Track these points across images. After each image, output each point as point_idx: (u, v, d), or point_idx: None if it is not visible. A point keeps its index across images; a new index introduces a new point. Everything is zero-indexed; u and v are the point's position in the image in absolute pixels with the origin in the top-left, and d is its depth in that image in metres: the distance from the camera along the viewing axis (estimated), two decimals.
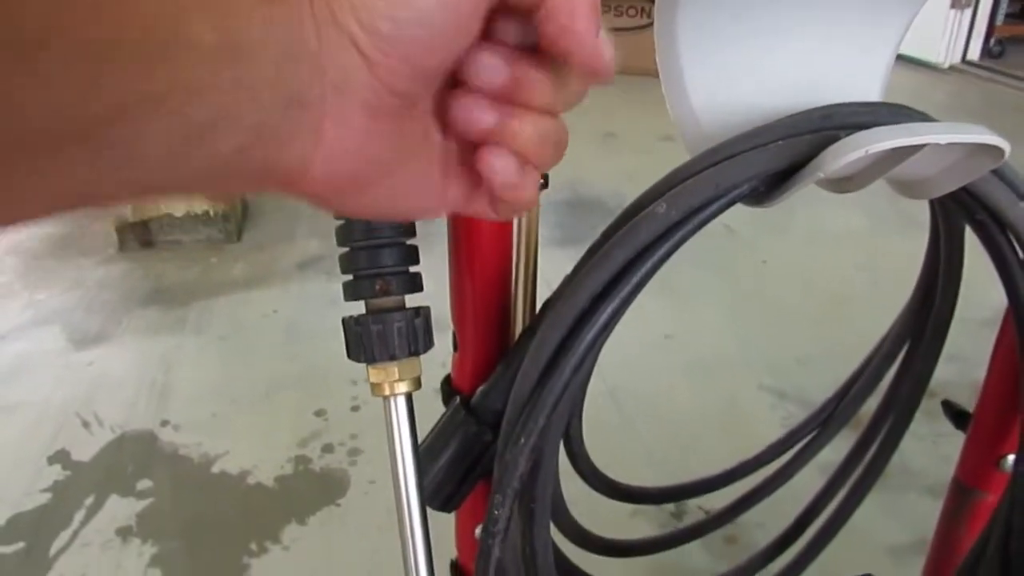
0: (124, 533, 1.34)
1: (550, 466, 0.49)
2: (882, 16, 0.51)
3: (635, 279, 0.45)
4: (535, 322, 0.52)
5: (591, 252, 0.48)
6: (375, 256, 0.44)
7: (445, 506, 0.51)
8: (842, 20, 0.50)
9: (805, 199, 0.52)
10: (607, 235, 0.47)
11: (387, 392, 0.45)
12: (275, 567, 1.28)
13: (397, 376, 0.44)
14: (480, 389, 0.52)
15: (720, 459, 0.82)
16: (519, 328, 0.53)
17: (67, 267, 2.22)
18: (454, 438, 0.51)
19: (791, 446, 0.87)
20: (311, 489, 1.44)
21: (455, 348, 0.54)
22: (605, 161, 2.95)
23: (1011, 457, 0.66)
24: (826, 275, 2.23)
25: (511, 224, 0.52)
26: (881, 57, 0.55)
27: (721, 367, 1.79)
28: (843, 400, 0.83)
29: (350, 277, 0.45)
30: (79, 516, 1.38)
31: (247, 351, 1.86)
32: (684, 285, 2.03)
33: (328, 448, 1.53)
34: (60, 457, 1.51)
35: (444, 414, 0.53)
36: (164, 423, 1.61)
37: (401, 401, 0.45)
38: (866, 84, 0.54)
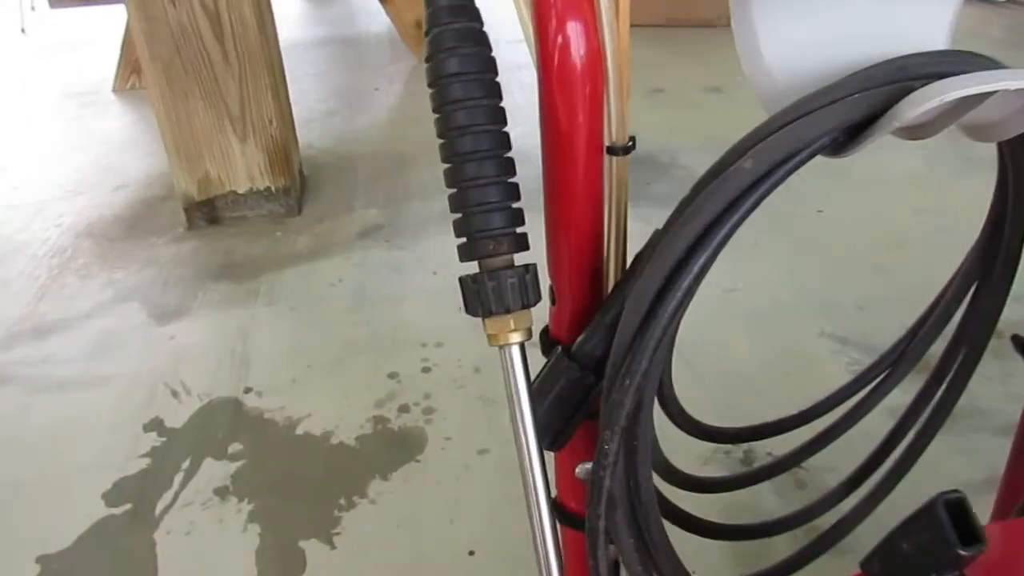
0: (222, 492, 1.43)
1: (650, 405, 0.54)
2: None
3: (725, 230, 0.49)
4: (629, 274, 0.56)
5: (682, 207, 0.52)
6: (487, 219, 0.48)
7: (552, 444, 0.57)
8: None
9: None
10: (696, 190, 0.51)
11: (503, 342, 0.50)
12: (364, 519, 1.36)
13: (512, 327, 0.49)
14: (580, 338, 0.56)
15: (785, 406, 0.85)
16: (612, 281, 0.58)
17: (140, 247, 2.32)
18: (559, 383, 0.55)
19: (860, 388, 0.90)
20: (391, 447, 1.51)
21: (552, 302, 0.59)
22: (654, 115, 2.95)
23: None
24: (884, 220, 2.22)
25: (601, 183, 0.56)
26: (947, 5, 0.57)
27: (783, 316, 1.81)
28: (912, 341, 0.86)
29: (464, 240, 0.50)
30: (178, 479, 1.47)
31: (317, 319, 1.94)
32: (742, 239, 2.04)
33: (404, 408, 1.60)
34: (155, 425, 1.61)
35: (547, 362, 0.58)
36: (247, 390, 1.69)
37: (515, 350, 0.50)
38: (934, 33, 0.57)
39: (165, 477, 1.48)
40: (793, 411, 0.87)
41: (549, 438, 0.56)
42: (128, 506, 1.42)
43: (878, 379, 0.88)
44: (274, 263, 2.19)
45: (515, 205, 0.50)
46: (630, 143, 0.54)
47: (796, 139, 0.49)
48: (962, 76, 0.49)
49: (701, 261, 0.49)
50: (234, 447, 1.54)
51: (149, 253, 2.29)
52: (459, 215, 0.49)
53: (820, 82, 0.53)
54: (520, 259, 0.52)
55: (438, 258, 2.11)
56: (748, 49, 0.57)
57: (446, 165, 0.50)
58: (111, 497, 1.44)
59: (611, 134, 0.52)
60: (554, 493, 0.68)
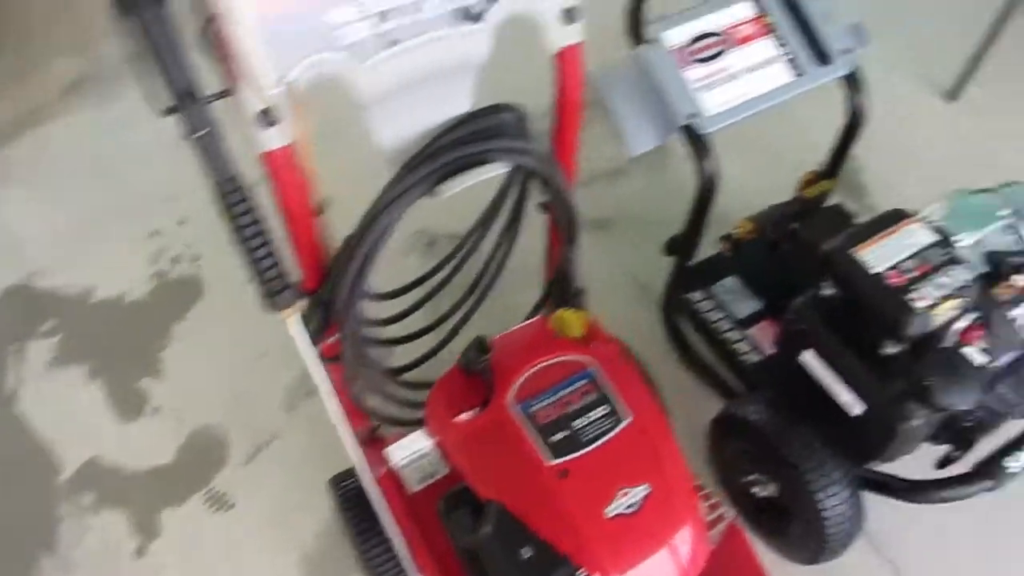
0: (56, 363, 1.85)
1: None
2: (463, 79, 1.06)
3: (382, 224, 1.03)
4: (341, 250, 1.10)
5: (366, 217, 1.05)
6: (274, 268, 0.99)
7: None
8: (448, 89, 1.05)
9: None
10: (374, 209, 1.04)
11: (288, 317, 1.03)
12: (180, 354, 1.86)
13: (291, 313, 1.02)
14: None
15: None
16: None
17: None
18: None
19: None
20: (178, 293, 1.97)
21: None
22: None
23: None
24: None
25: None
26: (469, 82, 1.09)
27: None
28: None
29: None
30: (12, 362, 1.86)
31: (65, 192, 2.20)
32: None
33: (176, 260, 2.04)
34: None
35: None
36: (32, 274, 2.02)
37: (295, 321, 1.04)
38: (465, 101, 1.10)
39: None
40: None
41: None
42: None
43: None
44: None
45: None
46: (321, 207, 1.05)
47: (403, 186, 1.03)
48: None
49: (368, 245, 1.03)
50: (46, 326, 1.92)
51: None
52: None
53: (415, 144, 1.06)
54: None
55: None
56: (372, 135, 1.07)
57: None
58: None
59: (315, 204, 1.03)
60: None
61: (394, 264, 1.92)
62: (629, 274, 1.97)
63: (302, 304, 1.07)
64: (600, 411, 1.07)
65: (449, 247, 1.46)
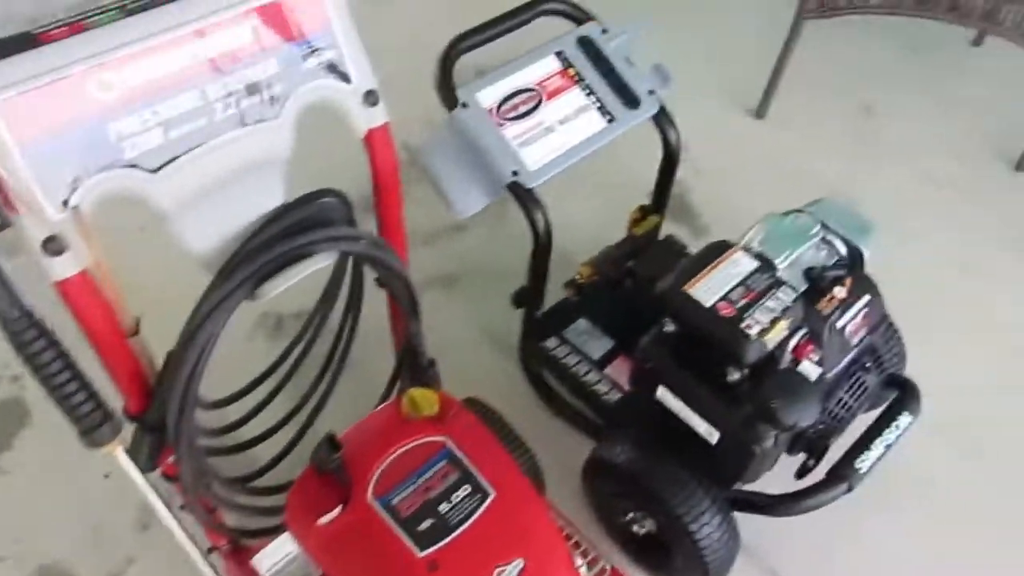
0: None
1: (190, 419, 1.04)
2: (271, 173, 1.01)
3: (204, 336, 0.97)
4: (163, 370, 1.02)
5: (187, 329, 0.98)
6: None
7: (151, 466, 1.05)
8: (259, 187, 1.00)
9: None
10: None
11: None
12: (10, 488, 1.69)
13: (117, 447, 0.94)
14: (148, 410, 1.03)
15: None
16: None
17: None
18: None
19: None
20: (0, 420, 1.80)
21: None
22: None
23: None
24: None
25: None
26: (278, 177, 1.04)
27: None
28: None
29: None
30: None
31: None
32: None
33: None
34: None
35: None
36: None
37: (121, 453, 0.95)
38: (277, 196, 1.05)
39: None
40: None
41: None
42: None
43: None
44: None
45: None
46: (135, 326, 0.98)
47: (220, 295, 0.97)
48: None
49: (190, 363, 0.96)
50: None
51: None
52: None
53: (231, 246, 1.00)
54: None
55: None
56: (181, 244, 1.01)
57: None
58: None
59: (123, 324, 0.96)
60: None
61: (239, 350, 1.85)
62: (484, 328, 1.96)
63: (128, 432, 0.99)
64: (463, 491, 1.04)
65: (297, 326, 1.40)
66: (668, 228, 1.82)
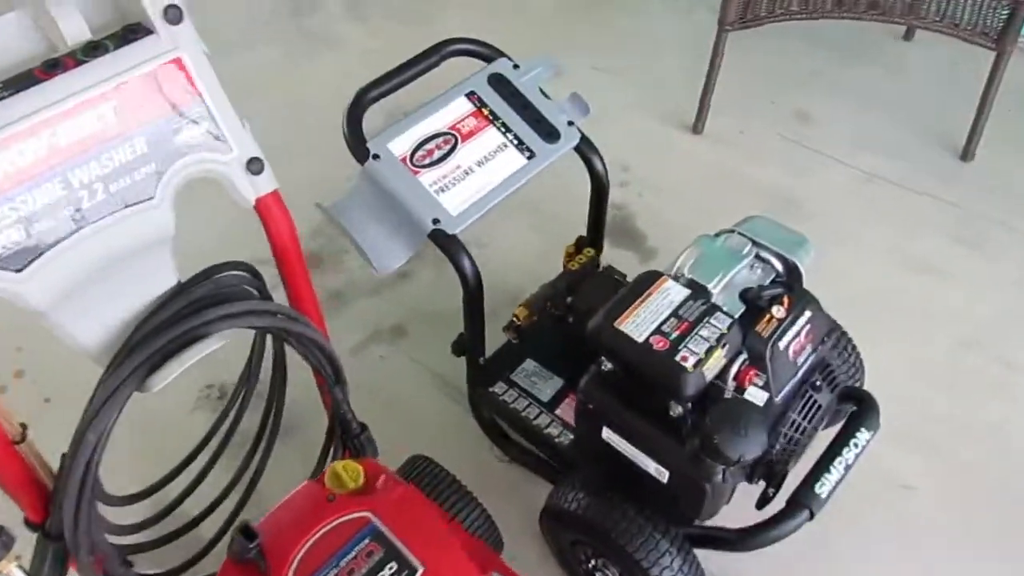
0: None
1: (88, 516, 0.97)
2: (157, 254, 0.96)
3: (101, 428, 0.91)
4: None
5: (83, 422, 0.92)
6: None
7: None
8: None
9: None
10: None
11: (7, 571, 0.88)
12: None
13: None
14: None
15: None
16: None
17: None
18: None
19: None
20: None
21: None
22: None
23: None
24: None
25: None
26: (165, 256, 0.99)
27: None
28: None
29: None
30: None
31: None
32: None
33: None
34: None
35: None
36: None
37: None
38: (169, 278, 1.00)
39: None
40: None
41: None
42: None
43: None
44: None
45: None
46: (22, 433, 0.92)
47: (108, 389, 0.91)
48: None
49: (81, 466, 0.90)
50: None
51: None
52: None
53: (123, 335, 0.95)
54: None
55: None
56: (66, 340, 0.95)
57: None
58: None
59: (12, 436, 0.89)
60: None
61: (180, 424, 1.77)
62: (436, 375, 1.90)
63: (30, 543, 0.92)
64: (388, 570, 0.97)
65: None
66: (614, 255, 1.79)
